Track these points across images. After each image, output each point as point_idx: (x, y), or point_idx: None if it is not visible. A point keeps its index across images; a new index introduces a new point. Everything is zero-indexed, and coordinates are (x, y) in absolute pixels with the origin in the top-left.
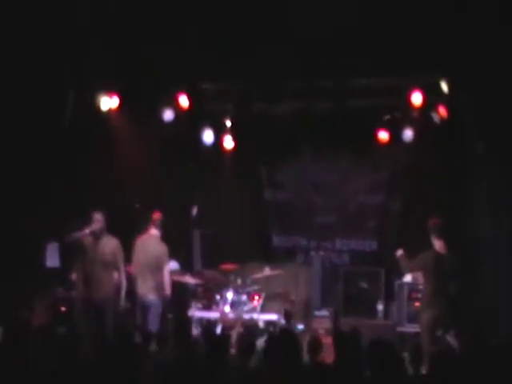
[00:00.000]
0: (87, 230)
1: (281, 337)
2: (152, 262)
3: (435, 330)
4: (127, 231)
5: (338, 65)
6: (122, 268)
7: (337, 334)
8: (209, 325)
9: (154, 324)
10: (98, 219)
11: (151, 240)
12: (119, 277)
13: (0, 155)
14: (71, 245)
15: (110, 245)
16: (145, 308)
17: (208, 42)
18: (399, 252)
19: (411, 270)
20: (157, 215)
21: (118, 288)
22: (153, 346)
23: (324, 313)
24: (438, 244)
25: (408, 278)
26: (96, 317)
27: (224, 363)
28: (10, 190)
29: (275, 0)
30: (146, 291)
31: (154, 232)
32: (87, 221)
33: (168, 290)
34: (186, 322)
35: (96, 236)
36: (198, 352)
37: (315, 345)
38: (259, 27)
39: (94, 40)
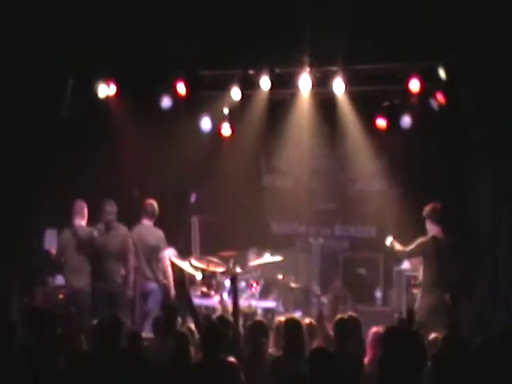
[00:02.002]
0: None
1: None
2: (150, 251)
3: (434, 315)
4: (127, 218)
5: (336, 51)
6: (131, 257)
7: (337, 320)
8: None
9: (154, 312)
10: (111, 211)
11: (146, 229)
12: (127, 266)
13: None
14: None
15: (120, 235)
16: (144, 296)
17: (206, 28)
18: (389, 240)
19: (409, 256)
20: (148, 202)
21: (125, 277)
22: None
23: (323, 299)
24: (434, 229)
25: (406, 265)
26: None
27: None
28: (9, 178)
29: None
30: (145, 279)
31: (147, 221)
32: (97, 210)
33: (168, 277)
34: (176, 311)
35: (108, 227)
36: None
37: (311, 331)
38: (258, 13)
39: (91, 28)
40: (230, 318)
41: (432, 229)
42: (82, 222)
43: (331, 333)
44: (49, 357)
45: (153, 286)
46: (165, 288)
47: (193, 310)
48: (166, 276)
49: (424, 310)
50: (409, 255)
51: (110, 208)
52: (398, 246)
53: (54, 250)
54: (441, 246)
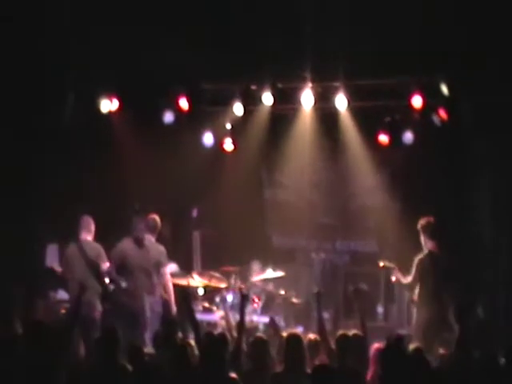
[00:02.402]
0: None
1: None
2: (151, 265)
3: (430, 329)
4: (128, 232)
5: (338, 67)
6: (164, 272)
7: (339, 336)
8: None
9: (154, 326)
10: (141, 228)
11: (147, 244)
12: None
13: (0, 155)
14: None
15: (154, 251)
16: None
17: (208, 43)
18: (393, 278)
19: (415, 280)
20: (151, 217)
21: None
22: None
23: (325, 314)
24: (429, 244)
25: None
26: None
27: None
28: (11, 192)
29: (275, 0)
30: (147, 294)
31: (149, 236)
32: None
33: (169, 292)
34: (176, 325)
35: (139, 243)
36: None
37: (314, 347)
38: (260, 28)
39: (93, 42)
40: (233, 334)
41: (427, 243)
42: (88, 236)
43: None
44: (49, 371)
45: (153, 300)
46: (165, 303)
47: (195, 325)
48: (166, 291)
49: (420, 323)
50: (414, 280)
51: (141, 225)
52: (402, 279)
53: (56, 266)
54: (438, 260)
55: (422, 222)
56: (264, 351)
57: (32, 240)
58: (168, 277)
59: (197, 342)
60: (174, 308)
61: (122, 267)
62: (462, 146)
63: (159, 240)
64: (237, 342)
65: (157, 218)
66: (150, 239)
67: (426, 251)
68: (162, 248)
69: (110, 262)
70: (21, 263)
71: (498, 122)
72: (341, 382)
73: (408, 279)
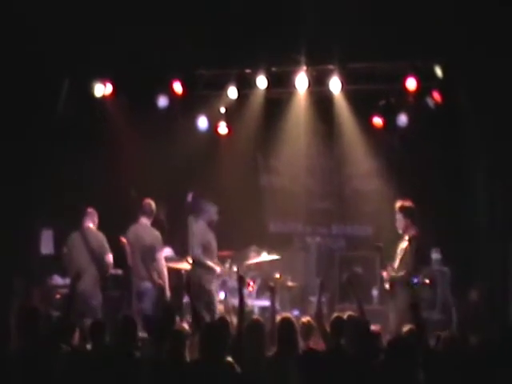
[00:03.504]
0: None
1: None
2: (145, 251)
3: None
4: (123, 218)
5: (332, 50)
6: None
7: (334, 318)
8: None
9: (148, 311)
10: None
11: (143, 229)
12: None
13: None
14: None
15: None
16: (139, 296)
17: (202, 28)
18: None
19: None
20: (146, 202)
21: None
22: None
23: (322, 298)
24: (413, 230)
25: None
26: None
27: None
28: (4, 178)
29: None
30: (140, 279)
31: (145, 221)
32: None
33: (163, 277)
34: (174, 311)
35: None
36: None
37: (308, 330)
38: (255, 12)
39: (87, 27)
40: (230, 318)
41: (409, 228)
42: (91, 225)
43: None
44: (43, 357)
45: (147, 285)
46: (159, 288)
47: (195, 310)
48: (160, 276)
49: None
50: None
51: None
52: (395, 276)
53: (51, 251)
54: (420, 247)
55: (405, 204)
56: (261, 334)
57: (26, 225)
58: (163, 262)
59: (196, 324)
60: (168, 293)
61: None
62: (457, 128)
63: (155, 224)
64: (238, 325)
65: (152, 202)
66: (145, 224)
67: (407, 237)
68: (156, 233)
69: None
70: (16, 249)
71: (493, 104)
72: (333, 365)
73: (400, 275)
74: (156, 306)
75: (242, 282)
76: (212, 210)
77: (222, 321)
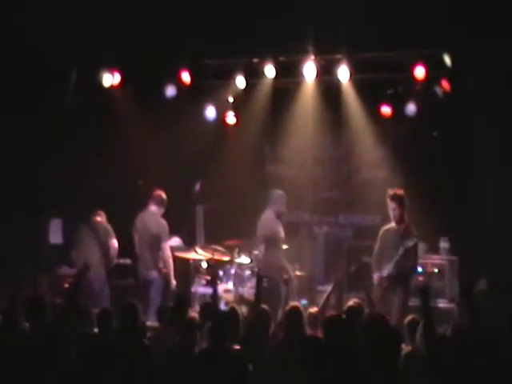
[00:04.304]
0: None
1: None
2: (151, 239)
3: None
4: (130, 207)
5: (340, 39)
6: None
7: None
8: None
9: (155, 301)
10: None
11: (150, 217)
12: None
13: (4, 131)
14: None
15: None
16: (146, 285)
17: (210, 17)
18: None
19: None
20: (157, 192)
21: None
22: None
23: (328, 288)
24: (406, 217)
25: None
26: None
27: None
28: (13, 167)
29: None
30: (147, 268)
31: (154, 209)
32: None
33: (168, 267)
34: (185, 300)
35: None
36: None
37: (315, 320)
38: (263, 1)
39: (95, 17)
40: (237, 307)
41: (397, 212)
42: (100, 219)
43: None
44: (47, 345)
45: (154, 274)
46: (165, 277)
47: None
48: (166, 266)
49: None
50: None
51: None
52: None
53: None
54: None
55: (398, 192)
56: (266, 323)
57: (34, 214)
58: (168, 253)
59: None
60: (174, 282)
61: None
62: (465, 117)
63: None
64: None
65: (163, 194)
66: (153, 212)
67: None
68: (163, 222)
69: None
70: (24, 239)
71: (501, 93)
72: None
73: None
74: (162, 296)
75: (260, 280)
76: (280, 201)
77: (232, 310)
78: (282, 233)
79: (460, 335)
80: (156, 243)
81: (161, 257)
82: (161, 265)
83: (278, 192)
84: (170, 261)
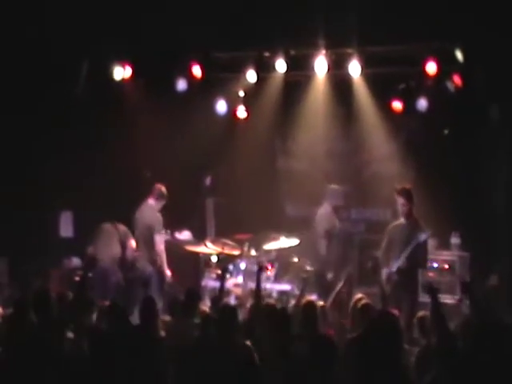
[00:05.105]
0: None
1: None
2: (145, 232)
3: None
4: (138, 200)
5: (352, 33)
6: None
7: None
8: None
9: (155, 295)
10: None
11: (147, 209)
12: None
13: (14, 125)
14: None
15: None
16: (144, 280)
17: (221, 10)
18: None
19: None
20: (158, 186)
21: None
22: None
23: (339, 282)
24: (407, 207)
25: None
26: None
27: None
28: (23, 160)
29: None
30: (144, 263)
31: (152, 202)
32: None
33: (161, 259)
34: (198, 294)
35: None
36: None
37: (323, 315)
38: None
39: (107, 10)
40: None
41: (406, 207)
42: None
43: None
44: (54, 338)
45: (151, 269)
46: (159, 270)
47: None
48: (159, 259)
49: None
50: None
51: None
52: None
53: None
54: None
55: (406, 187)
56: (276, 318)
57: (45, 207)
58: (161, 246)
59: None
60: (169, 273)
61: None
62: (477, 112)
63: (166, 207)
64: (251, 310)
65: (163, 187)
66: (150, 205)
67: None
68: (158, 215)
69: None
70: (35, 232)
71: None
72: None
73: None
74: (160, 289)
75: (261, 271)
76: (338, 195)
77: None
78: (338, 228)
79: (469, 330)
80: (150, 236)
81: (156, 250)
82: (155, 257)
83: (334, 187)
84: (163, 255)
